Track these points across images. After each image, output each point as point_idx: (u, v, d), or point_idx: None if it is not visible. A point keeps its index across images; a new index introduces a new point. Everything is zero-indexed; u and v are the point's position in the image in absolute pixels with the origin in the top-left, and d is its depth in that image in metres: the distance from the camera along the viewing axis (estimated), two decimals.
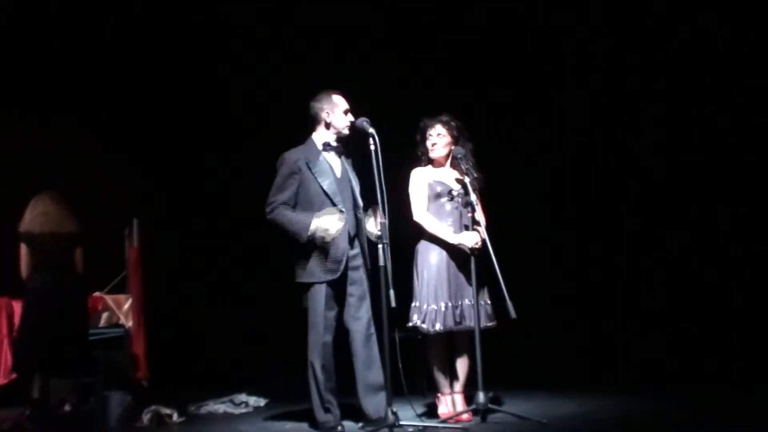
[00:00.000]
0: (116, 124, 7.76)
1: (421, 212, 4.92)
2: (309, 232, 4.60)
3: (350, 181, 4.83)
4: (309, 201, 4.73)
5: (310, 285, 4.69)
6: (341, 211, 4.65)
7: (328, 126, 4.85)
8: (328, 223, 4.59)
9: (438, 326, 4.74)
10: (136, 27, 7.49)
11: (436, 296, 4.79)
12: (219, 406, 6.05)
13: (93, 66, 7.62)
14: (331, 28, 7.48)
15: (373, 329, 4.71)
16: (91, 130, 7.70)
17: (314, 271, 4.67)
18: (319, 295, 4.65)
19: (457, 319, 4.75)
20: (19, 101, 7.55)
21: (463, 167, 4.88)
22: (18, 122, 7.62)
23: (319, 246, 4.62)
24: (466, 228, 4.82)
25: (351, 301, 4.74)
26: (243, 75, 7.80)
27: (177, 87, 7.80)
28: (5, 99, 7.52)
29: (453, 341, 4.91)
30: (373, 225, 4.62)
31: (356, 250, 4.75)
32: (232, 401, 6.15)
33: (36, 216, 5.54)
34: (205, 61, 7.79)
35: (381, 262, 4.44)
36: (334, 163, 4.85)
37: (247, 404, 6.14)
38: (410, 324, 4.84)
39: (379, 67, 7.43)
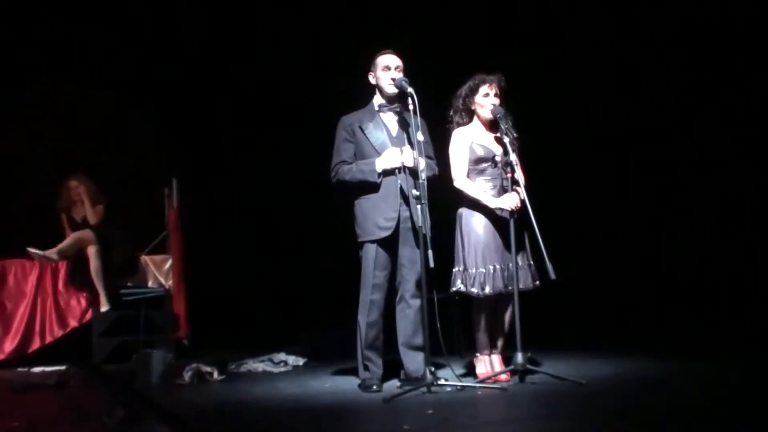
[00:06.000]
0: (157, 88, 7.82)
1: (461, 178, 4.88)
2: (379, 169, 4.70)
3: (405, 141, 4.80)
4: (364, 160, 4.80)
5: (362, 244, 4.77)
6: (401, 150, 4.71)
7: (377, 87, 4.90)
8: (394, 155, 4.68)
9: (488, 289, 4.72)
10: None
11: (484, 260, 4.76)
12: (258, 365, 6.13)
13: (136, 33, 7.69)
14: None
15: (419, 291, 4.71)
16: (132, 94, 7.77)
17: (370, 229, 4.73)
18: (371, 254, 4.72)
19: (506, 282, 4.73)
20: (65, 68, 7.68)
21: (503, 126, 4.80)
22: (64, 90, 7.75)
23: (374, 205, 4.71)
24: (505, 190, 4.77)
25: (402, 261, 4.78)
26: (283, 39, 7.79)
27: (220, 52, 7.84)
28: (54, 67, 7.66)
29: (497, 302, 4.89)
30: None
31: (408, 212, 4.74)
32: (271, 360, 6.24)
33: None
34: (244, 24, 7.80)
35: (419, 222, 4.44)
36: (390, 123, 4.88)
37: (286, 363, 6.22)
38: (454, 289, 4.83)
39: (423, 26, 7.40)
